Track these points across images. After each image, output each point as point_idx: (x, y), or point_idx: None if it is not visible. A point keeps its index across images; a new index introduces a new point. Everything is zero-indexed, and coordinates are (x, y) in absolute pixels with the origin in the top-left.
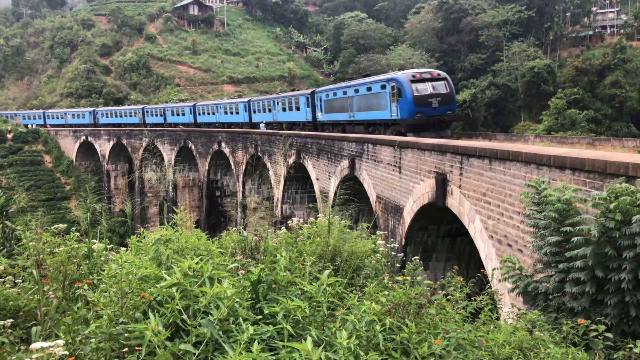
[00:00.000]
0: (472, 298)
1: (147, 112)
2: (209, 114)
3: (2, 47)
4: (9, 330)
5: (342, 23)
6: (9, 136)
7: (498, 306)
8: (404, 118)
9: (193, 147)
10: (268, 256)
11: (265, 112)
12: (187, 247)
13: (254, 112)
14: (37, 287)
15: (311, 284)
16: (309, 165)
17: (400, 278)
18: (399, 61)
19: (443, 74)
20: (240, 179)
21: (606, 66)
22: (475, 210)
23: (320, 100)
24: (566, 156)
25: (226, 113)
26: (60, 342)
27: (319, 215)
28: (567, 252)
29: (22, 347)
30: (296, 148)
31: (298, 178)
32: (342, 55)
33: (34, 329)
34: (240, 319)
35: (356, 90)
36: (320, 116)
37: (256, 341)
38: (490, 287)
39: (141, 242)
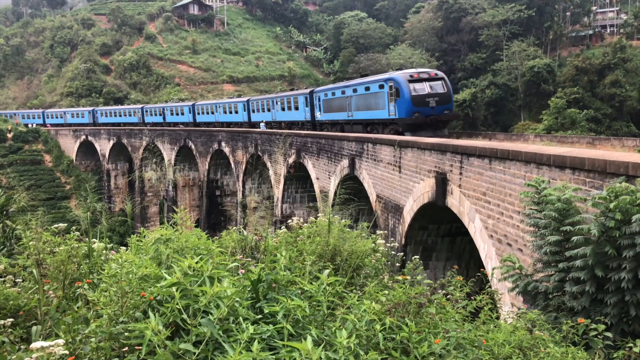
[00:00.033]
0: (472, 297)
1: (146, 111)
2: (208, 113)
3: (2, 47)
4: (9, 330)
5: (342, 22)
6: (9, 135)
7: (498, 305)
8: (401, 117)
9: (193, 147)
10: (268, 255)
11: (264, 111)
12: (187, 246)
13: (253, 111)
14: (37, 286)
15: (311, 283)
16: (309, 164)
17: (400, 277)
18: (399, 60)
19: (440, 73)
20: (240, 179)
21: (606, 65)
22: (475, 209)
23: (319, 100)
24: (566, 155)
25: (225, 112)
26: (61, 341)
27: (319, 214)
28: (567, 252)
29: (22, 347)
30: (296, 147)
31: (298, 177)
32: (342, 55)
33: (34, 328)
34: (240, 318)
35: (354, 90)
36: (318, 115)
37: (256, 340)
38: (490, 287)
39: (141, 241)
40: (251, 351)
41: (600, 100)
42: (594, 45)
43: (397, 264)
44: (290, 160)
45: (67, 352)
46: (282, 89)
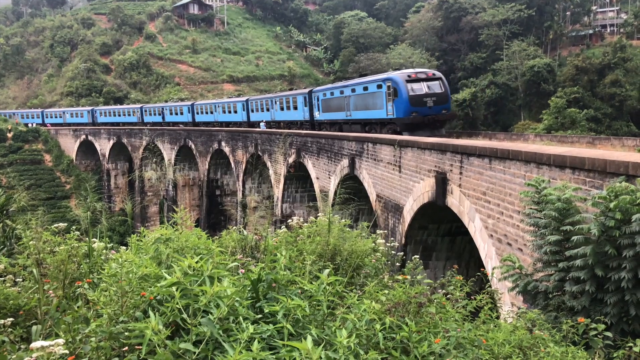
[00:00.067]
0: (472, 297)
1: (145, 111)
2: (207, 113)
3: (2, 46)
4: (9, 329)
5: (342, 22)
6: (9, 135)
7: (498, 305)
8: (399, 117)
9: (193, 146)
10: (268, 255)
11: (263, 111)
12: (187, 246)
13: (252, 111)
14: (37, 286)
15: (311, 283)
16: (309, 164)
17: (400, 277)
18: (399, 60)
19: (438, 73)
20: (241, 178)
21: (606, 65)
22: (475, 209)
23: (318, 100)
24: (566, 155)
25: (224, 112)
26: (61, 341)
27: (319, 214)
28: (567, 251)
29: (22, 346)
30: (296, 147)
31: (298, 177)
32: (342, 54)
33: (34, 327)
34: (240, 317)
35: (353, 90)
36: (317, 115)
37: (256, 340)
38: (490, 286)
39: (141, 241)
40: (251, 351)
41: (600, 99)
42: (594, 44)
43: (397, 264)
44: (290, 159)
45: (67, 351)
46: (282, 88)
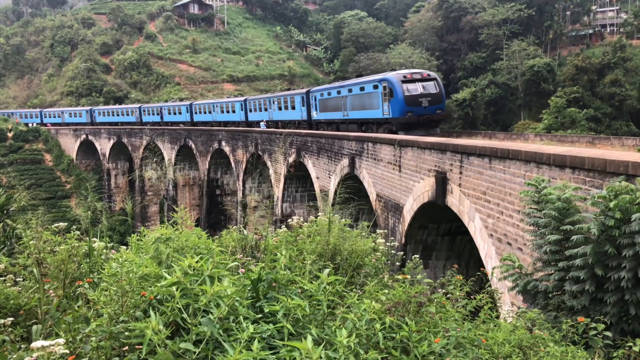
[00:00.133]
0: (472, 297)
1: (144, 110)
2: (205, 112)
3: (2, 46)
4: (10, 329)
5: (342, 22)
6: (10, 135)
7: (498, 305)
8: (395, 117)
9: (193, 146)
10: (268, 255)
11: (261, 110)
12: (188, 245)
13: (250, 110)
14: (37, 285)
15: (311, 282)
16: (309, 164)
17: (400, 277)
18: (399, 60)
19: (433, 74)
20: (241, 178)
21: (606, 65)
22: (475, 208)
23: (315, 100)
24: (566, 155)
25: (223, 112)
26: (61, 340)
27: (319, 213)
28: (567, 251)
29: (22, 346)
30: (296, 147)
31: (298, 177)
32: (342, 54)
33: (34, 327)
34: (241, 317)
35: (350, 90)
36: (315, 115)
37: (256, 340)
38: (490, 286)
39: (141, 240)
40: (251, 350)
41: (600, 99)
42: (594, 44)
43: (397, 263)
44: (291, 159)
45: (67, 351)
46: (282, 88)
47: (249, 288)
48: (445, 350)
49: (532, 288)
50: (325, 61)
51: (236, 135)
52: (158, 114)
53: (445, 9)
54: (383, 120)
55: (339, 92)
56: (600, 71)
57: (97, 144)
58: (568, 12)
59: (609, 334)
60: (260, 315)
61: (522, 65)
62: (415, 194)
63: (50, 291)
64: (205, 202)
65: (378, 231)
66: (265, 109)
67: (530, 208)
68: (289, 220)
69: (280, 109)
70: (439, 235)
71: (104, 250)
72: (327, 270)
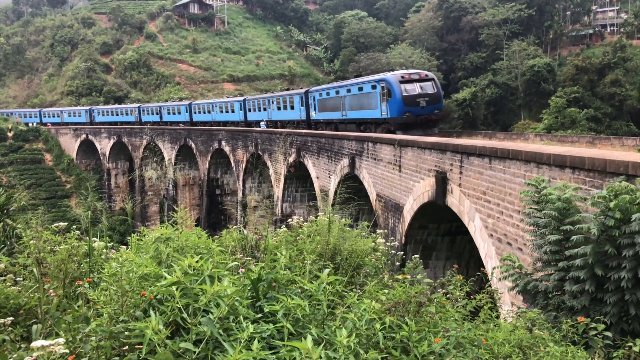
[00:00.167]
0: (472, 296)
1: (143, 110)
2: (204, 112)
3: (2, 46)
4: (10, 329)
5: (343, 21)
6: (10, 134)
7: (498, 305)
8: (393, 117)
9: (193, 146)
10: (268, 254)
11: (260, 110)
12: (187, 245)
13: (250, 110)
14: (37, 285)
15: (311, 282)
16: (309, 163)
17: (400, 276)
18: (399, 60)
19: (431, 74)
20: (241, 178)
21: (606, 65)
22: (475, 208)
23: (314, 100)
24: (566, 155)
25: (222, 112)
26: (61, 340)
27: (319, 213)
28: (567, 251)
29: (22, 345)
30: (296, 147)
31: (298, 176)
32: (342, 54)
33: (34, 327)
34: (241, 317)
35: (348, 90)
36: (313, 115)
37: (256, 339)
38: (490, 286)
39: (141, 240)
40: (251, 350)
41: (600, 99)
42: (594, 44)
43: (397, 263)
44: (291, 159)
45: (67, 351)
46: (282, 88)
47: (249, 288)
48: (445, 350)
49: (532, 288)
50: (326, 61)
51: (236, 135)
52: (157, 114)
53: (445, 9)
54: (381, 120)
55: (337, 92)
56: (601, 71)
57: (97, 144)
58: (568, 12)
59: (609, 334)
60: (260, 315)
61: (522, 65)
62: (416, 194)
63: (50, 291)
64: (205, 201)
65: (378, 231)
66: (265, 109)
67: (530, 208)
68: (289, 220)
69: (279, 109)
70: (439, 235)
71: (104, 250)
72: (327, 270)
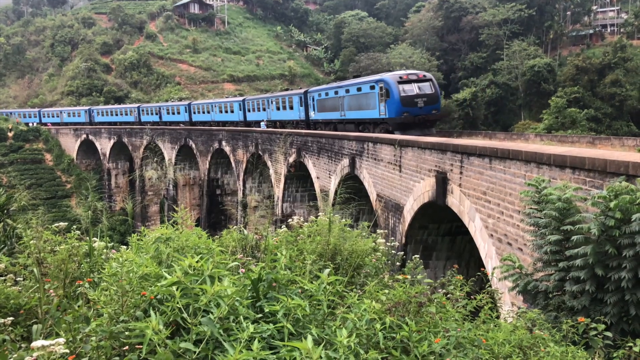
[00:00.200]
0: (472, 297)
1: (143, 110)
2: (204, 112)
3: (3, 46)
4: (10, 328)
5: (343, 22)
6: (10, 134)
7: (498, 305)
8: (391, 117)
9: (194, 146)
10: (268, 255)
11: (259, 110)
12: (188, 245)
13: (249, 110)
14: (38, 285)
15: (311, 282)
16: (309, 163)
17: (400, 277)
18: (399, 60)
19: (429, 75)
20: (241, 178)
21: (606, 65)
22: (475, 208)
23: (313, 100)
24: (566, 155)
25: (221, 112)
26: (61, 340)
27: (320, 213)
28: (567, 251)
29: (23, 345)
30: (296, 147)
31: (298, 177)
32: (342, 54)
33: (34, 327)
34: (241, 317)
35: (347, 91)
36: (312, 115)
37: (256, 339)
38: (490, 286)
39: (142, 240)
40: (251, 350)
41: (601, 99)
42: (594, 44)
43: (398, 263)
44: (291, 159)
45: (67, 350)
46: (282, 88)
47: (249, 288)
48: (446, 350)
49: (532, 288)
50: (326, 61)
51: (236, 135)
52: (157, 114)
53: (445, 9)
54: (379, 120)
55: (336, 93)
56: (601, 71)
57: (97, 144)
58: (568, 12)
59: (609, 334)
60: (260, 315)
61: (523, 65)
62: (416, 194)
63: (51, 291)
64: (205, 201)
65: (378, 231)
66: (264, 109)
67: (531, 208)
68: (289, 220)
69: (278, 109)
70: (439, 235)
71: (104, 250)
72: (327, 270)
